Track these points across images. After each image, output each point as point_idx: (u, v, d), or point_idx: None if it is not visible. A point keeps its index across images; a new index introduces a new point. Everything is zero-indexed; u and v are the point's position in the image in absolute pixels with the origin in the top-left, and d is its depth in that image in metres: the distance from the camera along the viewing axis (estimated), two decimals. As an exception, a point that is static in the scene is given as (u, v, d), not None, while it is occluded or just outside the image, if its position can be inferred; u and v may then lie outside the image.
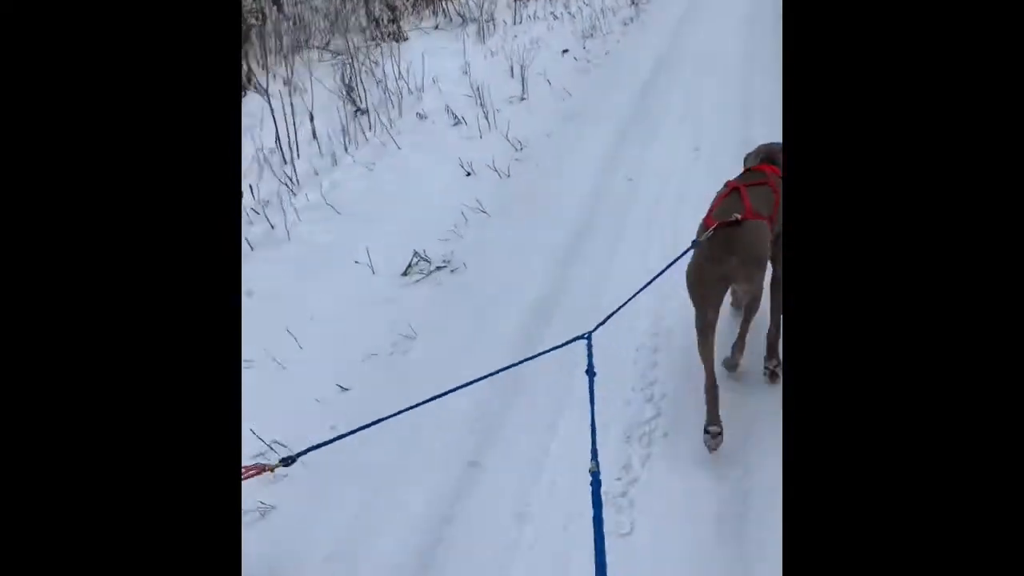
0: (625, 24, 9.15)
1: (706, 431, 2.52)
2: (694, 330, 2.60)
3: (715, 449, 2.50)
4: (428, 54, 8.51)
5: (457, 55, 8.18)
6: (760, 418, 2.67)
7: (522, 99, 6.66)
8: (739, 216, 2.50)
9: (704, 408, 2.57)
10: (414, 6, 12.19)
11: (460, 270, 3.98)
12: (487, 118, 6.06)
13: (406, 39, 10.06)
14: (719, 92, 6.14)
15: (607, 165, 5.02)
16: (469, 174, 5.17)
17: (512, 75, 7.12)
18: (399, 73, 7.39)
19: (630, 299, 2.53)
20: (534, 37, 8.70)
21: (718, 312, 2.58)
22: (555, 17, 9.78)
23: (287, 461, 1.67)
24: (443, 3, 11.50)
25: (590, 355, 2.18)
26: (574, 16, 9.57)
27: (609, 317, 2.46)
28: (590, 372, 2.10)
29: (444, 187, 4.98)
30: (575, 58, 7.80)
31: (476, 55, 8.19)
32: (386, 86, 7.01)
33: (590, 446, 1.74)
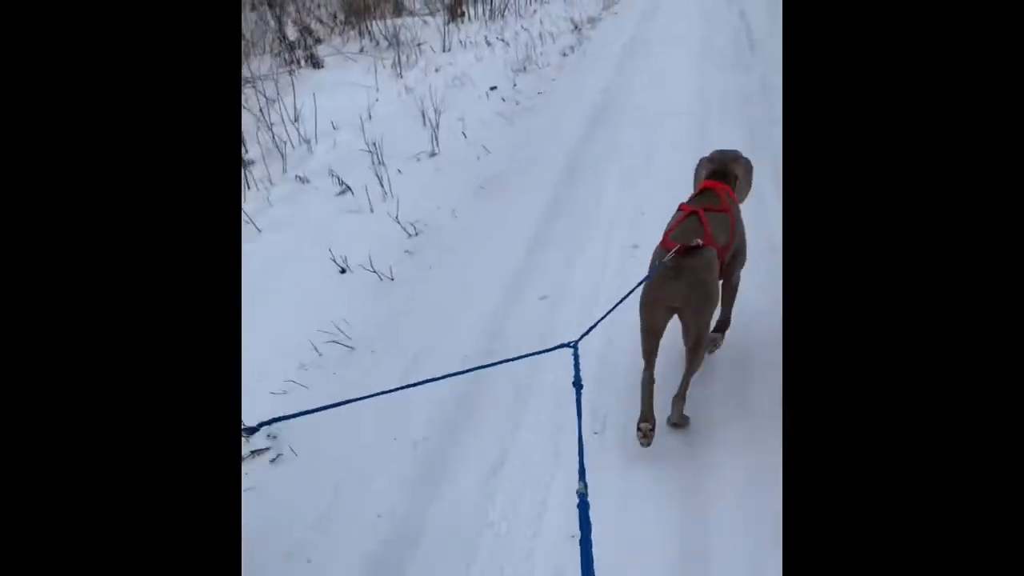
0: (564, 55, 7.87)
1: (638, 427, 2.40)
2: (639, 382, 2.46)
3: (646, 443, 2.39)
4: (337, 89, 7.15)
5: (369, 92, 6.85)
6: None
7: (432, 155, 5.33)
8: (700, 242, 2.38)
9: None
10: (345, 24, 10.85)
11: (286, 459, 2.63)
12: (382, 184, 4.72)
13: (322, 66, 8.71)
14: (669, 151, 4.86)
15: (521, 267, 3.71)
16: (344, 271, 3.84)
17: (424, 122, 5.80)
18: (293, 116, 6.04)
19: (610, 311, 2.31)
20: (460, 71, 7.38)
21: (662, 332, 2.44)
22: (488, 44, 8.48)
23: (249, 431, 1.72)
24: (368, 25, 10.15)
25: (576, 365, 2.02)
26: (508, 45, 8.27)
27: (594, 326, 2.24)
28: (577, 384, 1.94)
29: (304, 295, 3.63)
30: (503, 99, 6.49)
31: (388, 92, 6.85)
32: (272, 135, 5.65)
33: (577, 465, 1.59)
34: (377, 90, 6.90)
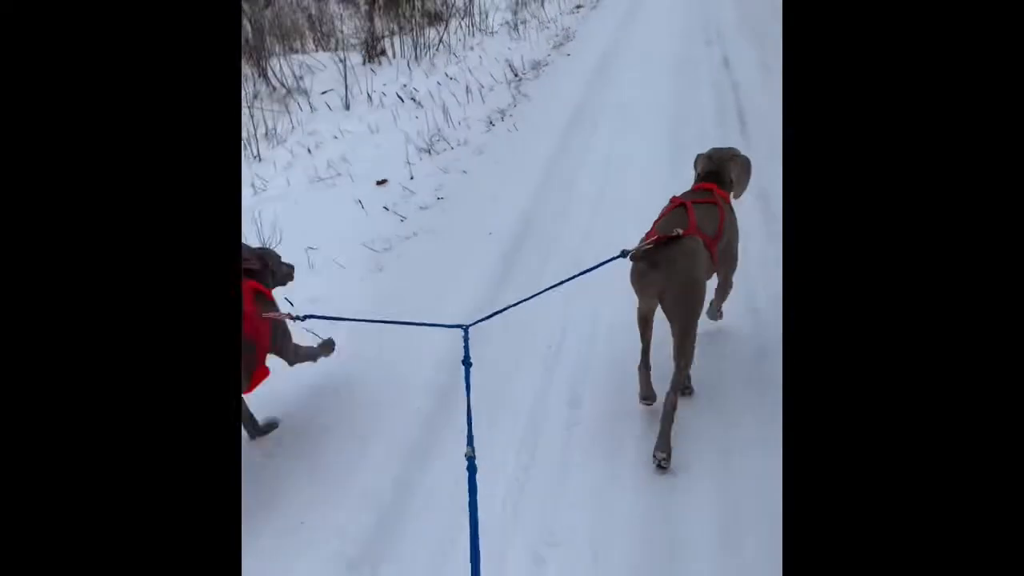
0: (490, 124, 5.64)
1: (642, 399, 2.43)
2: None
3: (650, 402, 2.43)
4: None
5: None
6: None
7: (234, 338, 3.15)
8: (680, 231, 2.25)
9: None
10: (249, 61, 8.59)
11: None
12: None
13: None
14: (625, 338, 2.70)
15: None
16: None
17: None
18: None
19: (519, 303, 2.41)
20: (346, 149, 5.17)
21: (653, 311, 2.37)
22: (400, 100, 6.28)
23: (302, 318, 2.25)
24: (266, 64, 7.90)
25: (466, 345, 2.12)
26: (421, 106, 6.04)
27: (494, 315, 2.38)
28: (466, 362, 2.04)
29: None
30: (385, 207, 4.25)
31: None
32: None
33: (466, 432, 1.68)
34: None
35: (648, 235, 2.33)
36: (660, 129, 5.04)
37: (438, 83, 6.75)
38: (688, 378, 2.47)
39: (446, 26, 8.96)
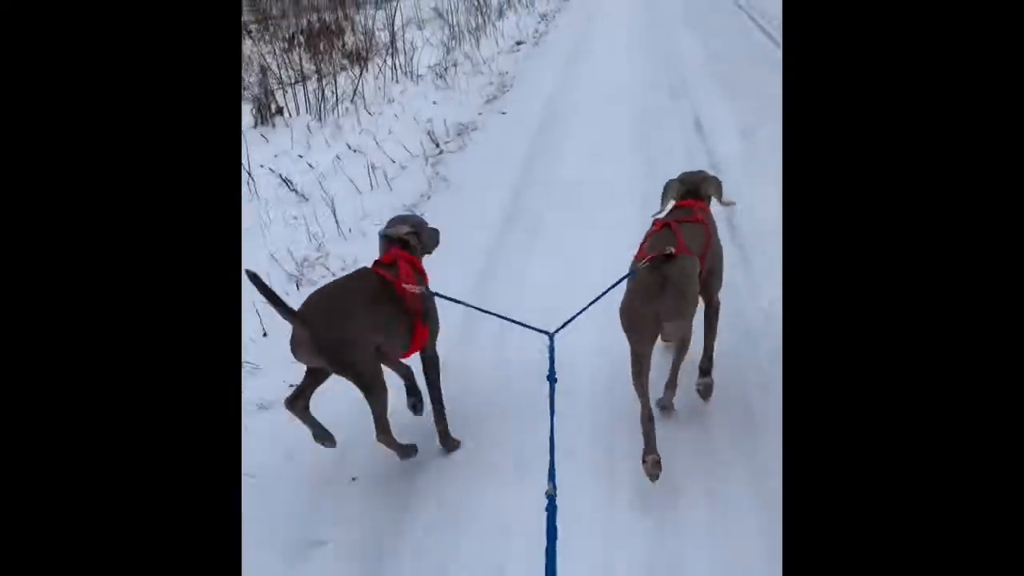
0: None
1: (644, 460, 2.20)
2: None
3: (656, 478, 2.17)
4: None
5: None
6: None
7: None
8: (672, 250, 2.24)
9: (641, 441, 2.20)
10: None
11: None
12: None
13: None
14: None
15: None
16: None
17: None
18: None
19: (584, 308, 2.22)
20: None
21: (652, 348, 2.29)
22: (286, 185, 4.72)
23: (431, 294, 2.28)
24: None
25: (552, 357, 1.92)
26: (306, 199, 4.49)
27: (572, 319, 2.20)
28: (551, 377, 1.85)
29: None
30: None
31: None
32: None
33: (548, 465, 1.48)
34: None
35: (639, 255, 2.31)
36: (621, 242, 3.55)
37: (337, 157, 5.22)
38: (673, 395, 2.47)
39: (362, 71, 7.44)
